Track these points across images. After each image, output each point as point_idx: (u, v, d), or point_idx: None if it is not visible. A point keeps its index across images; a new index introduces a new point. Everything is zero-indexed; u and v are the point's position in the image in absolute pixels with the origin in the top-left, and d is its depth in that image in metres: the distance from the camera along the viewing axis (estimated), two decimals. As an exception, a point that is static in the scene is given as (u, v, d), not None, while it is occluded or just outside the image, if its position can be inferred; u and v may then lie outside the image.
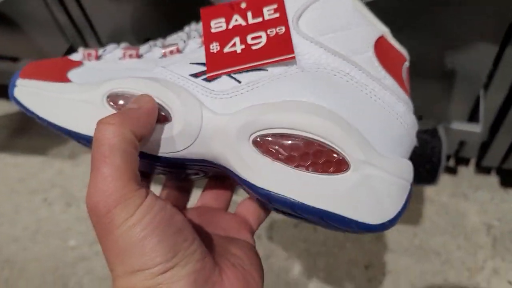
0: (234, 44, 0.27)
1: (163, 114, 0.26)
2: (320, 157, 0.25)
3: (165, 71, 0.28)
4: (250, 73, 0.27)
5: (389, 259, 0.67)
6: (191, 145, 0.26)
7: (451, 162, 0.73)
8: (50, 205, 0.78)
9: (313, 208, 0.24)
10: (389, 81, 0.27)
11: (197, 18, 0.31)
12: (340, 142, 0.24)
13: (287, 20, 0.27)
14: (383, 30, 0.28)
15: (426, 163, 0.51)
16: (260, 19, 0.28)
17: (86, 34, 0.67)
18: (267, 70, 0.27)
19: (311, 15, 0.27)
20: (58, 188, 0.79)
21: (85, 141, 0.28)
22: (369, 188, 0.25)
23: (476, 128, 0.59)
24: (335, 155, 0.25)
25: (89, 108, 0.27)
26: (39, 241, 0.74)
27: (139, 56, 0.30)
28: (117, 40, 0.68)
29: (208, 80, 0.27)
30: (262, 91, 0.26)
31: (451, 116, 0.62)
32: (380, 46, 0.27)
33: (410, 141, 0.28)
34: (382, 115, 0.26)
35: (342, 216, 0.24)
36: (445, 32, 0.51)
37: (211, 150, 0.26)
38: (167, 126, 0.26)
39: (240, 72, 0.27)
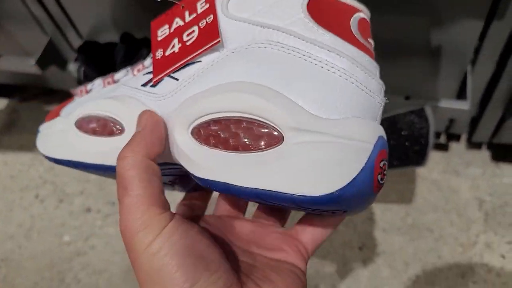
0: (173, 46, 0.28)
1: (118, 127, 0.28)
2: (251, 135, 0.24)
3: (124, 87, 0.29)
4: (186, 68, 0.27)
5: (383, 239, 0.67)
6: None
7: (442, 139, 0.73)
8: (43, 201, 0.77)
9: (247, 188, 0.23)
10: (328, 37, 0.25)
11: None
12: (266, 113, 0.23)
13: (215, 8, 0.27)
14: None
15: (414, 145, 0.50)
16: (194, 15, 0.28)
17: (66, 29, 0.66)
18: (200, 61, 0.26)
19: None
20: (49, 184, 0.79)
21: (71, 165, 0.30)
22: (306, 156, 0.22)
23: (465, 106, 0.58)
24: (264, 129, 0.23)
25: (63, 135, 0.30)
26: (33, 238, 0.74)
27: (115, 81, 0.32)
28: (98, 35, 0.67)
29: (153, 85, 0.28)
30: (196, 83, 0.26)
31: (439, 94, 0.61)
32: (316, 4, 0.26)
33: (364, 97, 0.25)
34: (319, 74, 0.24)
35: (277, 192, 0.23)
36: (430, 8, 0.50)
37: (168, 153, 0.27)
38: (122, 137, 0.27)
39: (177, 70, 0.27)
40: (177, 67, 0.27)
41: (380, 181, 0.23)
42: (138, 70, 0.30)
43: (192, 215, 0.31)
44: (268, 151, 0.23)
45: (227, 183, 0.24)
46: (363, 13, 0.28)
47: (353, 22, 0.27)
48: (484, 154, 0.73)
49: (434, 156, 0.73)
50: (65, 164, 0.30)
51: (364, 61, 0.26)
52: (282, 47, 0.25)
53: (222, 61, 0.26)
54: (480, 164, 0.72)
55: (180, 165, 0.27)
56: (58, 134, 0.30)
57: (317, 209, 0.24)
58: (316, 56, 0.25)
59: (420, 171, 0.71)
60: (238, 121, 0.24)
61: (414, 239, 0.66)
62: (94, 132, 0.29)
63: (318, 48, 0.25)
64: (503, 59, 0.55)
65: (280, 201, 0.23)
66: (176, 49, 0.27)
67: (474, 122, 0.67)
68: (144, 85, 0.28)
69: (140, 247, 0.21)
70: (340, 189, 0.22)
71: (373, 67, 0.26)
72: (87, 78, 0.56)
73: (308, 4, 0.26)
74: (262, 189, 0.23)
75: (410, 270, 0.65)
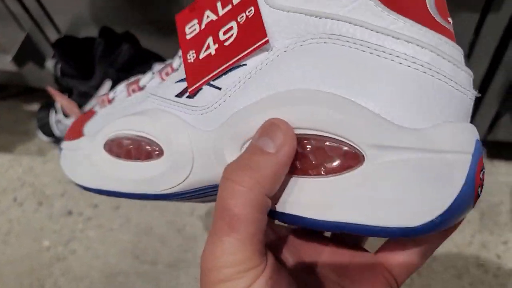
0: (208, 46, 0.23)
1: (156, 148, 0.24)
2: (323, 155, 0.20)
3: (155, 98, 0.25)
4: (229, 74, 0.22)
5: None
6: (190, 174, 0.23)
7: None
8: (21, 204, 0.74)
9: (325, 222, 0.19)
10: (403, 23, 0.20)
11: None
12: (341, 129, 0.19)
13: None
14: None
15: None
16: (229, 7, 0.23)
17: (44, 24, 0.63)
18: (246, 64, 0.22)
19: None
20: (28, 187, 0.76)
21: (95, 192, 0.26)
22: (395, 179, 0.18)
23: (459, 101, 0.56)
24: (339, 148, 0.19)
25: (95, 162, 0.26)
26: (12, 242, 0.71)
27: (141, 88, 0.27)
28: (77, 30, 0.65)
29: (191, 96, 0.23)
30: (244, 92, 0.22)
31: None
32: None
33: (454, 95, 0.20)
34: (399, 73, 0.20)
35: (362, 226, 0.19)
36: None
37: (212, 174, 0.23)
38: (161, 161, 0.24)
39: (218, 77, 0.22)
40: (217, 74, 0.22)
41: (480, 193, 0.19)
42: (167, 74, 0.26)
43: (275, 239, 0.26)
44: (345, 174, 0.19)
45: (299, 216, 0.20)
46: None
47: (430, 0, 0.21)
48: (478, 151, 0.71)
49: (427, 154, 0.71)
50: (98, 193, 0.26)
51: (449, 48, 0.20)
52: (347, 41, 0.20)
53: (272, 64, 0.21)
54: (474, 162, 0.70)
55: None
56: (85, 160, 0.26)
57: (402, 238, 0.21)
58: (391, 50, 0.20)
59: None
60: (304, 139, 0.20)
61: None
62: (127, 156, 0.25)
63: (393, 39, 0.20)
64: (498, 53, 0.53)
65: (366, 233, 0.19)
66: (212, 51, 0.23)
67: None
68: (179, 95, 0.24)
69: None
70: (441, 215, 0.18)
71: (459, 53, 0.21)
72: (64, 75, 0.53)
73: None
74: (344, 222, 0.19)
75: (404, 272, 0.63)
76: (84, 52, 0.52)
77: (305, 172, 0.20)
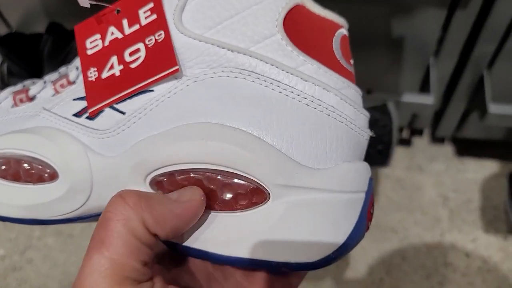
0: (112, 66, 0.22)
1: (49, 171, 0.22)
2: (229, 191, 0.20)
3: (49, 115, 0.23)
4: (134, 99, 0.21)
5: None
6: (87, 200, 0.22)
7: (405, 134, 0.70)
8: (-26, 211, 0.70)
9: (229, 258, 0.20)
10: (311, 66, 0.21)
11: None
12: (249, 167, 0.19)
13: (166, 21, 0.21)
14: None
15: (378, 143, 0.47)
16: (137, 26, 0.22)
17: (-9, 18, 0.59)
18: (153, 90, 0.21)
19: (195, 5, 0.21)
20: (-19, 192, 0.71)
21: (3, 220, 0.23)
22: (298, 218, 0.19)
23: (428, 100, 0.55)
24: (247, 185, 0.20)
25: None
26: (-36, 252, 0.67)
27: (30, 99, 0.24)
28: (29, 25, 0.61)
29: (91, 117, 0.22)
30: (150, 119, 0.21)
31: (402, 87, 0.58)
32: (293, 22, 0.21)
33: (352, 137, 0.21)
34: (306, 114, 0.20)
35: (265, 261, 0.19)
36: (391, -3, 0.46)
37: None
38: (55, 185, 0.22)
39: (122, 101, 0.21)
40: (121, 97, 0.21)
41: (369, 225, 0.21)
42: (62, 86, 0.24)
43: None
44: (250, 211, 0.20)
45: (203, 251, 0.20)
46: (344, 29, 0.23)
47: (335, 43, 0.22)
48: (447, 149, 0.70)
49: (397, 152, 0.70)
50: None
51: (351, 92, 0.22)
52: (258, 78, 0.20)
53: (182, 93, 0.21)
54: (443, 160, 0.69)
55: None
56: None
57: (300, 270, 0.21)
58: (300, 92, 0.20)
59: (383, 168, 0.68)
60: (212, 174, 0.20)
61: (378, 240, 0.63)
62: (15, 178, 0.22)
63: (302, 80, 0.21)
64: (466, 50, 0.52)
65: (269, 268, 0.20)
66: (116, 72, 0.22)
67: (438, 116, 0.64)
68: (77, 115, 0.22)
69: None
70: (336, 250, 0.20)
71: (359, 96, 0.22)
72: (12, 74, 0.50)
73: (284, 21, 0.21)
74: (248, 258, 0.20)
75: (374, 273, 0.62)
76: (32, 50, 0.48)
77: (211, 207, 0.20)
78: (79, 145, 0.21)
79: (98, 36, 0.23)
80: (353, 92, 0.22)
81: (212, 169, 0.20)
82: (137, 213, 0.18)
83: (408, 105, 0.57)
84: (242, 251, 0.20)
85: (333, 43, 0.22)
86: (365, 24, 0.50)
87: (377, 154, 0.47)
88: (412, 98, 0.57)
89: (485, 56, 0.51)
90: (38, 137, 0.22)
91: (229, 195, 0.20)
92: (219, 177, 0.20)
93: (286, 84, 0.20)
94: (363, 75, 0.57)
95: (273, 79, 0.20)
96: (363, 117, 0.22)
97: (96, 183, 0.21)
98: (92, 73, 0.22)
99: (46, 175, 0.22)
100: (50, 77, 0.25)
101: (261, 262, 0.20)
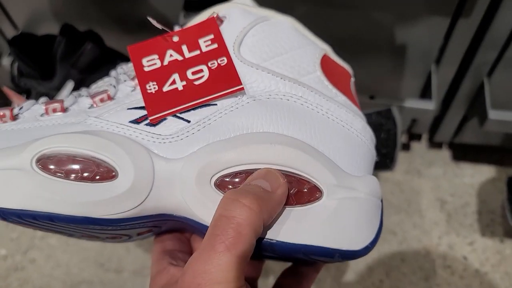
0: (173, 82, 0.25)
1: (107, 170, 0.23)
2: (290, 189, 0.23)
3: (100, 121, 0.25)
4: (198, 110, 0.25)
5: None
6: (145, 200, 0.23)
7: (404, 138, 0.72)
8: (-25, 211, 0.70)
9: (293, 245, 0.22)
10: (342, 98, 0.26)
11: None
12: (308, 169, 0.23)
13: (227, 50, 0.26)
14: (325, 48, 0.28)
15: (382, 148, 0.48)
16: (197, 52, 0.26)
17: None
18: (216, 104, 0.25)
19: (251, 41, 0.26)
20: (-18, 192, 0.71)
21: (15, 216, 0.23)
22: (346, 212, 0.23)
23: (429, 105, 0.57)
24: (305, 183, 0.23)
25: (14, 177, 0.22)
26: (-36, 252, 0.66)
27: (64, 109, 0.26)
28: (36, 26, 0.61)
29: (152, 124, 0.24)
30: (215, 128, 0.24)
31: (403, 93, 0.60)
32: (326, 65, 0.27)
33: (371, 156, 0.27)
34: (343, 133, 0.25)
35: (324, 248, 0.23)
36: (395, 5, 0.48)
37: (170, 202, 0.24)
38: (113, 184, 0.23)
39: (187, 111, 0.25)
40: (186, 108, 0.24)
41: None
42: (102, 100, 0.26)
43: None
44: (311, 205, 0.23)
45: (270, 240, 0.23)
46: (353, 78, 0.29)
47: (351, 86, 0.29)
48: (445, 153, 0.72)
49: (396, 157, 0.71)
50: (17, 216, 0.23)
51: (366, 121, 0.28)
52: (306, 102, 0.25)
53: (243, 108, 0.25)
54: (441, 164, 0.71)
55: (182, 218, 0.24)
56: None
57: (341, 260, 0.24)
58: (337, 115, 0.26)
59: (383, 172, 0.70)
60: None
61: (378, 243, 0.64)
62: (72, 176, 0.23)
63: (337, 107, 0.26)
64: (467, 57, 0.54)
65: (323, 256, 0.23)
66: (179, 87, 0.25)
67: (436, 122, 0.66)
68: (136, 121, 0.24)
69: None
70: (371, 242, 0.24)
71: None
72: (22, 74, 0.50)
73: (321, 63, 0.27)
74: (309, 245, 0.23)
75: (374, 274, 0.63)
76: (44, 50, 0.49)
77: None
78: (141, 147, 0.23)
79: (155, 56, 0.26)
80: (365, 121, 0.28)
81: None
82: (260, 217, 0.21)
83: (409, 110, 0.59)
84: (300, 239, 0.22)
85: (350, 85, 0.28)
86: (370, 31, 0.51)
87: (382, 158, 0.48)
88: (414, 103, 0.58)
89: (486, 64, 0.53)
90: (100, 138, 0.23)
91: (290, 192, 0.23)
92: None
93: (327, 108, 0.25)
94: (367, 81, 0.59)
95: (317, 103, 0.25)
96: (374, 140, 0.28)
97: (156, 184, 0.23)
98: (152, 87, 0.25)
99: (105, 174, 0.23)
100: (79, 92, 0.28)
101: (320, 248, 0.22)
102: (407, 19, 0.49)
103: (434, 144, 0.72)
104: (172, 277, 0.26)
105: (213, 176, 0.23)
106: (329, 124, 0.25)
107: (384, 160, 0.47)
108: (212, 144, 0.23)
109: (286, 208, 0.23)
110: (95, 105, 0.26)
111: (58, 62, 0.46)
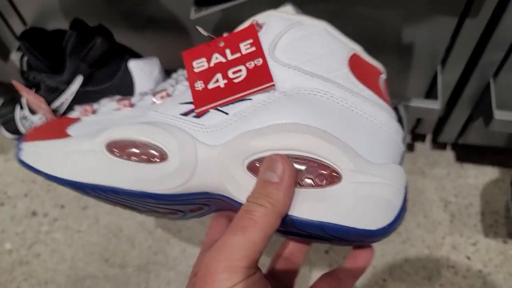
0: (217, 80, 0.29)
1: (160, 153, 0.27)
2: (311, 172, 0.25)
3: (157, 114, 0.29)
4: (236, 104, 0.28)
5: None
6: (190, 178, 0.27)
7: (408, 139, 0.72)
8: (-19, 205, 0.70)
9: (313, 222, 0.25)
10: (368, 93, 0.28)
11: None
12: (328, 155, 0.25)
13: (263, 52, 0.29)
14: (355, 48, 0.30)
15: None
16: (238, 55, 0.30)
17: (7, 14, 0.60)
18: (251, 99, 0.28)
19: (285, 44, 0.29)
20: (-12, 186, 0.71)
21: (90, 189, 0.29)
22: (364, 194, 0.25)
23: (435, 105, 0.57)
24: (325, 168, 0.25)
25: (90, 158, 0.28)
26: (-30, 245, 0.67)
27: (132, 105, 0.32)
28: (44, 21, 0.61)
29: (198, 116, 0.28)
30: (249, 119, 0.27)
31: (409, 93, 0.60)
32: (355, 63, 0.29)
33: (397, 146, 0.29)
34: (367, 125, 0.27)
35: (342, 226, 0.25)
36: (402, 4, 0.48)
37: (210, 181, 0.27)
38: (165, 164, 0.27)
39: (226, 105, 0.28)
40: (226, 102, 0.28)
41: (404, 217, 0.27)
42: (162, 97, 0.31)
43: (289, 271, 0.33)
44: (331, 188, 0.25)
45: (294, 216, 0.25)
46: (384, 75, 0.31)
47: (381, 82, 0.30)
48: (449, 154, 0.72)
49: (400, 157, 0.71)
50: (91, 189, 0.29)
51: (394, 115, 0.30)
52: (332, 96, 0.28)
53: (274, 102, 0.28)
54: (445, 165, 0.71)
55: (221, 196, 0.28)
56: (81, 157, 0.29)
57: (359, 241, 0.27)
58: (362, 108, 0.28)
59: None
60: (301, 159, 0.26)
61: (381, 242, 0.65)
62: (132, 157, 0.28)
63: (362, 101, 0.28)
64: (473, 58, 0.54)
65: (341, 233, 0.25)
66: (221, 84, 0.29)
67: (441, 122, 0.66)
68: (185, 114, 0.29)
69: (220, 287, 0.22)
70: (389, 224, 0.25)
71: (397, 120, 0.30)
72: (32, 68, 0.50)
73: (349, 61, 0.29)
74: (328, 222, 0.25)
75: (377, 274, 0.63)
76: (54, 45, 0.49)
77: (298, 185, 0.26)
78: (188, 135, 0.27)
79: (204, 59, 0.30)
80: (395, 115, 0.30)
81: (299, 155, 0.25)
82: (279, 215, 0.24)
83: (415, 110, 0.59)
84: (320, 216, 0.25)
85: (379, 82, 0.30)
86: (376, 31, 0.52)
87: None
88: (419, 103, 0.58)
89: (492, 64, 0.53)
90: (155, 128, 0.28)
91: (311, 175, 0.25)
92: (305, 161, 0.25)
93: (352, 102, 0.28)
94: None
95: (342, 97, 0.28)
96: (403, 134, 0.30)
97: (199, 165, 0.27)
98: (199, 85, 0.29)
99: (158, 156, 0.27)
100: (146, 91, 0.33)
101: (336, 226, 0.25)
102: (413, 19, 0.50)
103: (438, 144, 0.73)
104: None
105: (245, 159, 0.26)
106: (353, 115, 0.27)
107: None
108: (245, 133, 0.27)
109: (308, 190, 0.25)
110: (156, 101, 0.31)
111: (67, 56, 0.47)
